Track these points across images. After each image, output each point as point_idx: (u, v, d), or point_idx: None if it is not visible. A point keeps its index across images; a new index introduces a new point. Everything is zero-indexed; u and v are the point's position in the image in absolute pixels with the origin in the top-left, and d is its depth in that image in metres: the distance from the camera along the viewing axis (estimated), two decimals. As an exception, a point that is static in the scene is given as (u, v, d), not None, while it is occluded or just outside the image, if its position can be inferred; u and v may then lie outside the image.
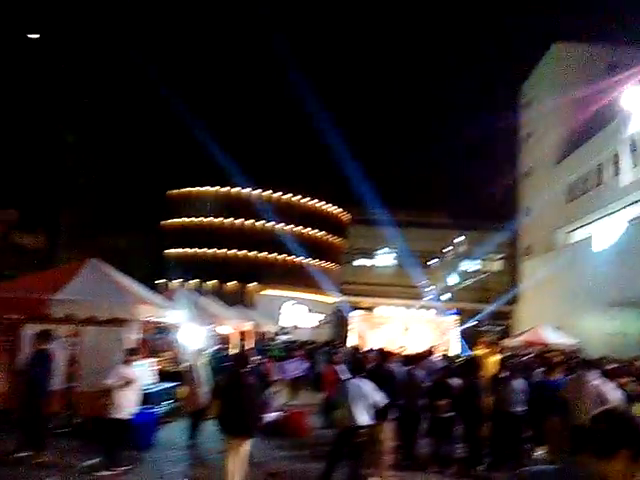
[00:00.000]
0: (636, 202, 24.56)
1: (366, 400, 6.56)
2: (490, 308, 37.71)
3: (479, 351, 13.28)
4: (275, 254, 35.13)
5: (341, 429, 6.55)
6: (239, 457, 6.22)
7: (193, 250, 34.79)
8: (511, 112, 39.87)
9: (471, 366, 8.47)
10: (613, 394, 6.95)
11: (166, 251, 35.60)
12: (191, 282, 33.44)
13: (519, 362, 10.56)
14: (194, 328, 12.10)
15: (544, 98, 34.27)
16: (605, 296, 22.63)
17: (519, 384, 8.31)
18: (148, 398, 8.96)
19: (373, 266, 42.12)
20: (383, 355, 8.42)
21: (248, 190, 35.14)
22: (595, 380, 7.11)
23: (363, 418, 6.52)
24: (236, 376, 6.47)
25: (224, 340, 16.46)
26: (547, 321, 23.84)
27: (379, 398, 6.64)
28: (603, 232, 27.08)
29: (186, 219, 35.55)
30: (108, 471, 6.80)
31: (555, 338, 20.08)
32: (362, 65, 70.07)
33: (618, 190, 25.04)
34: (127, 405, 7.13)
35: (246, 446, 6.31)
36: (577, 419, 6.82)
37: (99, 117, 28.98)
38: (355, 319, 26.78)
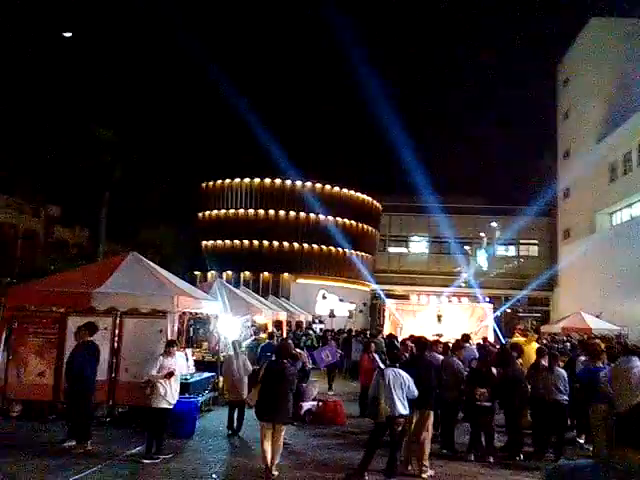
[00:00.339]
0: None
1: (403, 390, 6.58)
2: (525, 294, 36.98)
3: (516, 338, 13.02)
4: (309, 244, 35.26)
5: (380, 419, 6.56)
6: (275, 442, 6.51)
7: (229, 242, 35.26)
8: (549, 90, 38.70)
9: (510, 354, 8.32)
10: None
11: (203, 243, 36.19)
12: (227, 273, 33.95)
13: (560, 349, 10.31)
14: (231, 318, 12.30)
15: (583, 75, 33.07)
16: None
17: (559, 372, 8.13)
18: (188, 388, 9.19)
19: (407, 253, 41.79)
20: (420, 344, 8.36)
21: (281, 180, 35.30)
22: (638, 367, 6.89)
23: (401, 408, 6.54)
24: (274, 364, 6.77)
25: (261, 329, 16.70)
26: (587, 307, 23.23)
27: (414, 388, 6.66)
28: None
29: (221, 211, 36.00)
30: (151, 459, 7.01)
31: (597, 324, 19.53)
32: (403, 49, 68.80)
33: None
34: (168, 395, 7.31)
35: (281, 432, 6.58)
36: (620, 407, 6.67)
37: (136, 111, 29.56)
38: (390, 307, 26.69)
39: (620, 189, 28.27)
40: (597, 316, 20.78)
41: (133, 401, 9.09)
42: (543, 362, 8.43)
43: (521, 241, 40.95)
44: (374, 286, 39.66)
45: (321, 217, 35.60)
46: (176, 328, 10.09)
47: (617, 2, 30.16)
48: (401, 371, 6.77)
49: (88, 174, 25.94)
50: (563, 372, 8.22)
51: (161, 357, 7.51)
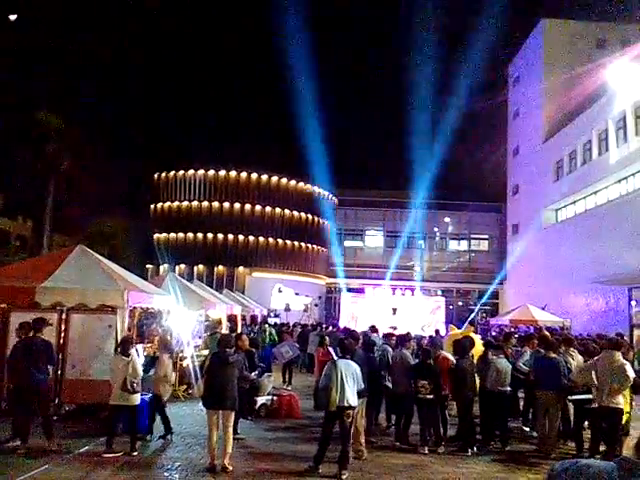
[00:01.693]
0: (623, 179, 24.76)
1: (354, 380, 6.68)
2: (477, 287, 38.11)
3: (454, 331, 13.37)
4: (264, 237, 35.03)
5: (331, 407, 6.61)
6: (224, 432, 6.65)
7: (182, 234, 34.56)
8: (500, 89, 39.76)
9: (463, 346, 8.51)
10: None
11: (155, 236, 35.32)
12: (181, 267, 33.29)
13: (503, 340, 10.67)
14: (184, 313, 12.05)
15: (532, 75, 34.17)
16: (590, 274, 22.92)
17: (502, 363, 8.42)
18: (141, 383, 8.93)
19: (362, 247, 42.20)
20: (365, 339, 8.51)
21: (236, 173, 34.85)
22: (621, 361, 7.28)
23: (351, 398, 6.63)
24: (218, 355, 6.90)
25: (215, 324, 16.45)
26: (534, 300, 24.12)
27: (361, 380, 6.82)
28: (589, 210, 27.33)
29: (175, 203, 35.21)
30: (108, 454, 6.94)
31: (542, 316, 20.32)
32: (350, 49, 69.07)
33: (605, 168, 25.19)
34: (124, 392, 7.23)
35: (229, 421, 6.71)
36: (602, 399, 7.18)
37: (86, 98, 28.44)
38: (345, 300, 26.95)
39: (565, 187, 29.45)
40: (542, 308, 21.62)
41: (81, 399, 8.80)
42: (490, 354, 8.70)
43: (472, 236, 42.10)
44: (330, 279, 39.88)
45: (277, 210, 35.43)
46: (126, 324, 9.81)
47: (566, 4, 31.11)
48: (352, 362, 6.87)
49: (32, 162, 24.74)
50: (507, 363, 8.52)
51: (118, 356, 7.45)
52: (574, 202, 29.58)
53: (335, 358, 6.98)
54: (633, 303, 22.00)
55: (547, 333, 11.46)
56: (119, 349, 7.65)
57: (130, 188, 33.03)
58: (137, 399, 7.41)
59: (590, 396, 7.67)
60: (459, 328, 15.20)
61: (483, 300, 35.08)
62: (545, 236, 31.14)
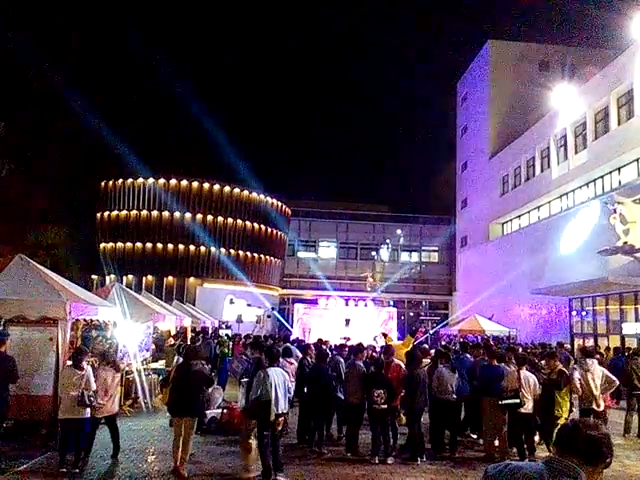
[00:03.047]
0: (564, 195, 25.99)
1: (284, 389, 6.77)
2: (427, 298, 38.88)
3: (390, 342, 13.53)
4: (216, 247, 34.49)
5: (271, 418, 6.59)
6: (185, 440, 6.91)
7: (130, 244, 33.55)
8: (451, 106, 41.08)
9: (416, 356, 8.62)
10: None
11: (101, 245, 34.13)
12: (128, 277, 32.29)
13: (448, 351, 10.88)
14: (131, 325, 11.64)
15: (479, 94, 35.50)
16: (534, 285, 23.81)
17: (448, 373, 8.61)
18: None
19: (316, 258, 42.28)
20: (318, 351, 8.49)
21: (187, 182, 34.25)
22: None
23: (284, 406, 6.74)
24: (183, 365, 7.32)
25: (164, 336, 16.00)
26: (482, 310, 24.83)
27: (291, 386, 7.10)
28: (532, 224, 28.49)
29: (122, 212, 34.18)
30: (64, 469, 6.78)
31: (489, 326, 20.92)
32: (307, 61, 69.74)
33: (547, 184, 26.37)
34: (80, 406, 7.02)
35: (189, 429, 6.98)
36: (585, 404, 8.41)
37: (27, 102, 27.24)
38: (298, 311, 26.81)
39: (510, 201, 30.63)
40: (490, 318, 22.27)
41: (20, 415, 8.31)
42: (440, 364, 8.87)
43: (423, 248, 43.01)
44: (283, 290, 39.68)
45: (229, 220, 35.01)
46: (68, 336, 9.38)
47: (513, 26, 32.53)
48: (281, 370, 7.00)
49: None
50: (450, 372, 8.71)
51: (73, 369, 7.23)
52: (519, 216, 30.79)
53: (266, 367, 6.92)
54: (574, 313, 23.02)
55: (491, 343, 11.82)
56: (71, 362, 7.42)
57: (74, 196, 31.78)
58: (87, 412, 7.17)
59: (517, 401, 8.01)
60: (399, 339, 15.39)
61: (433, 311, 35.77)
62: (492, 248, 32.19)
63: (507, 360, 9.13)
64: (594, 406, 8.42)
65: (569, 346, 20.46)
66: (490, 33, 34.60)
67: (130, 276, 32.40)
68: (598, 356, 11.98)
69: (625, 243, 17.85)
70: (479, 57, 36.08)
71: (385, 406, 7.84)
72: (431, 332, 27.51)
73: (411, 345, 11.30)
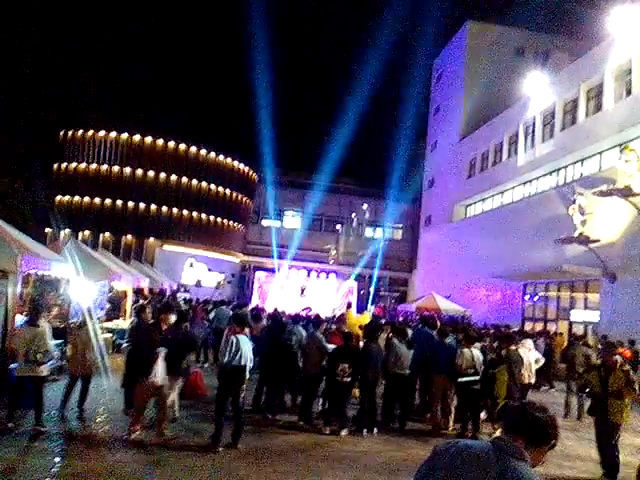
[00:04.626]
0: (528, 182, 26.49)
1: (248, 353, 6.93)
2: (387, 274, 39.41)
3: (350, 315, 13.74)
4: (178, 209, 33.74)
5: (236, 382, 6.78)
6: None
7: (88, 199, 32.38)
8: (425, 84, 40.84)
9: (376, 331, 8.72)
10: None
11: (57, 198, 32.84)
12: (85, 233, 31.31)
13: (403, 326, 11.09)
14: (85, 283, 11.26)
15: (454, 74, 35.42)
16: (491, 268, 24.40)
17: (404, 349, 8.77)
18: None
19: (280, 228, 42.04)
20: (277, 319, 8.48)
21: (152, 139, 33.13)
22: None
23: (246, 363, 6.90)
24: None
25: (119, 296, 15.64)
26: (440, 289, 25.32)
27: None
28: (495, 209, 29.02)
29: (82, 165, 32.85)
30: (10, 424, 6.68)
31: (446, 305, 21.38)
32: (288, 36, 67.63)
33: (513, 170, 26.78)
34: (28, 363, 6.88)
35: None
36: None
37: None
38: (259, 279, 26.73)
39: (476, 184, 31.04)
40: (447, 297, 22.75)
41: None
42: (395, 339, 9.00)
43: (387, 224, 43.34)
44: (245, 257, 39.40)
45: (194, 182, 34.22)
46: (18, 291, 9.00)
47: (493, 8, 32.25)
48: (246, 337, 7.17)
49: None
50: (406, 349, 8.88)
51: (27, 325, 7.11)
52: (483, 200, 31.29)
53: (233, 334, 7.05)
54: (527, 297, 23.78)
55: (441, 323, 12.19)
56: (27, 318, 7.25)
57: (30, 144, 30.30)
58: (45, 370, 6.99)
59: (477, 377, 8.44)
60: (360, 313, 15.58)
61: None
62: (454, 230, 32.71)
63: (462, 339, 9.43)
64: (529, 380, 9.49)
65: (518, 329, 21.17)
66: (469, 13, 34.06)
67: (86, 232, 31.41)
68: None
69: (581, 234, 18.41)
70: (457, 37, 35.86)
71: (348, 379, 7.91)
72: (389, 308, 27.96)
73: (369, 319, 11.42)
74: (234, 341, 6.80)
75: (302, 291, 21.56)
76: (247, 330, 9.16)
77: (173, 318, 7.49)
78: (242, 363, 6.77)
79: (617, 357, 6.93)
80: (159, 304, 17.60)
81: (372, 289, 31.70)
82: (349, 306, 15.57)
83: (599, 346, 14.06)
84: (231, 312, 13.21)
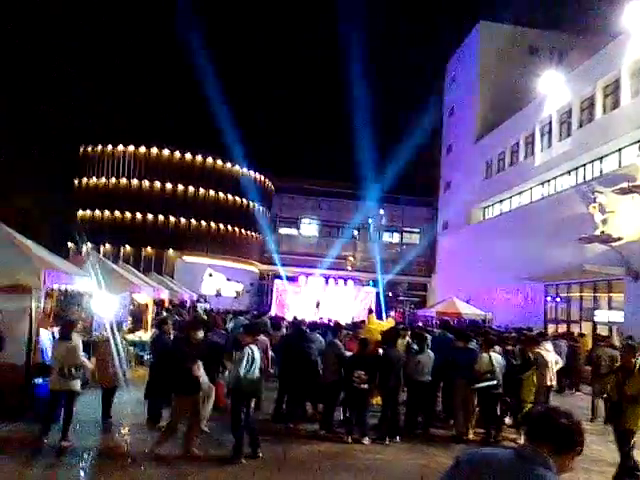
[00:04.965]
0: (546, 182, 26.17)
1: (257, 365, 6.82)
2: (406, 279, 39.20)
3: (373, 321, 13.64)
4: (197, 220, 34.10)
5: (252, 394, 6.78)
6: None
7: (108, 213, 32.95)
8: (438, 87, 40.68)
9: (393, 336, 8.67)
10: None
11: (79, 213, 33.45)
12: (106, 247, 31.80)
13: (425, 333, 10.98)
14: (106, 296, 11.43)
15: (467, 76, 35.22)
16: (511, 270, 24.10)
17: (425, 355, 8.69)
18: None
19: (297, 235, 42.15)
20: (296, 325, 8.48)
21: (169, 152, 33.59)
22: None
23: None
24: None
25: (140, 309, 15.82)
26: (460, 293, 25.09)
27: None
28: (514, 210, 28.71)
29: (102, 179, 33.45)
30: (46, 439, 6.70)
31: (466, 309, 21.16)
32: (282, 45, 68.15)
33: (530, 171, 26.49)
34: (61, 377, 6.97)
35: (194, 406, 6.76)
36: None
37: (6, 64, 26.26)
38: (278, 288, 26.81)
39: (493, 186, 30.76)
40: (467, 301, 22.52)
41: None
42: (414, 345, 8.94)
43: (404, 229, 43.13)
44: (263, 266, 39.57)
45: (211, 193, 34.56)
46: (42, 306, 9.17)
47: (504, 8, 32.02)
48: (257, 348, 7.00)
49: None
50: (430, 354, 8.81)
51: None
52: (500, 201, 30.98)
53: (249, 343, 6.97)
54: (548, 299, 23.42)
55: (461, 327, 12.07)
56: (59, 334, 7.39)
57: (52, 160, 30.93)
58: (77, 385, 7.06)
59: (494, 382, 8.30)
60: (379, 319, 15.49)
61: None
62: (472, 232, 32.42)
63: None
64: (550, 382, 9.37)
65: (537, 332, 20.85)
66: (481, 14, 33.90)
67: (108, 246, 31.92)
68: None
69: (602, 232, 18.10)
70: (469, 38, 35.70)
71: (365, 386, 7.87)
72: (408, 313, 27.78)
73: (391, 325, 11.36)
74: (250, 352, 6.72)
75: (317, 304, 21.48)
76: (264, 339, 9.24)
77: (201, 334, 7.46)
78: (257, 374, 6.72)
79: (638, 359, 6.55)
80: (180, 316, 17.81)
81: (382, 295, 31.50)
82: (370, 311, 15.51)
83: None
84: (268, 321, 13.28)
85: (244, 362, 6.63)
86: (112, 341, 8.58)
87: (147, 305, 16.03)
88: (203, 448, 6.99)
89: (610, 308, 19.57)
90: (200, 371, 6.76)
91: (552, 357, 9.85)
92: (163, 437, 6.72)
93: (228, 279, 33.63)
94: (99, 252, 27.10)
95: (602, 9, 25.63)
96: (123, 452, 6.81)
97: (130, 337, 13.82)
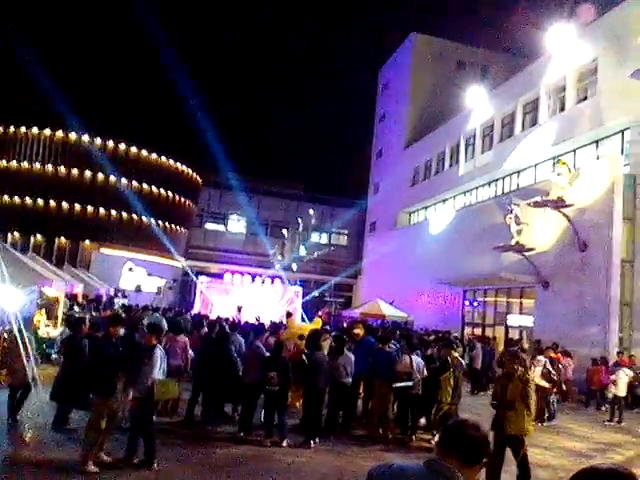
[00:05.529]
0: (467, 192, 27.35)
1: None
2: (333, 280, 39.59)
3: (293, 324, 13.62)
4: (117, 211, 32.43)
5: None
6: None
7: (18, 199, 30.53)
8: (372, 91, 41.46)
9: (317, 339, 8.65)
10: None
11: (-16, 198, 30.80)
12: (14, 235, 29.51)
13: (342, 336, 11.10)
14: (11, 289, 10.51)
15: (399, 84, 36.16)
16: (433, 274, 24.94)
17: (345, 357, 8.81)
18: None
19: (224, 232, 41.33)
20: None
21: (89, 138, 31.68)
22: None
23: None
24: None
25: (50, 303, 14.77)
26: (384, 295, 25.60)
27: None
28: (437, 216, 29.78)
29: (12, 162, 30.97)
30: None
31: (390, 311, 21.62)
32: (233, 34, 66.94)
33: (454, 179, 27.59)
34: None
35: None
36: None
37: None
38: (202, 285, 26.06)
39: (419, 192, 31.75)
40: (391, 303, 23.02)
41: None
42: (343, 348, 9.01)
43: (333, 230, 43.52)
44: (187, 262, 38.40)
45: (133, 183, 32.99)
46: None
47: (436, 22, 33.27)
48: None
49: None
50: (350, 356, 8.92)
51: None
52: (426, 207, 32.03)
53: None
54: (466, 303, 24.46)
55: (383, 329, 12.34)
56: None
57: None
58: None
59: (410, 383, 8.68)
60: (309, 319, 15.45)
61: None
62: (398, 236, 33.28)
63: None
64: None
65: (458, 334, 21.75)
66: (413, 25, 35.06)
67: (16, 234, 29.60)
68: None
69: (517, 243, 19.12)
70: (402, 48, 36.65)
71: (277, 388, 7.76)
72: (334, 314, 27.99)
73: (318, 327, 11.34)
74: (160, 355, 6.42)
75: (239, 309, 20.99)
76: (184, 338, 8.90)
77: (122, 331, 7.02)
78: (162, 377, 6.40)
79: (519, 366, 6.48)
80: (95, 311, 16.83)
81: (310, 295, 31.64)
82: (289, 315, 15.36)
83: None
84: (164, 319, 12.77)
85: (158, 365, 6.30)
86: (19, 337, 7.94)
87: (58, 299, 15.00)
88: (113, 454, 6.57)
89: (521, 313, 20.73)
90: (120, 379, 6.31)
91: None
92: (95, 447, 6.14)
93: (149, 274, 32.29)
94: (6, 241, 25.09)
95: (526, 30, 27.20)
96: (25, 458, 6.26)
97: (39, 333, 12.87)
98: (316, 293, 33.88)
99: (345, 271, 39.96)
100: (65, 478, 5.74)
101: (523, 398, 6.20)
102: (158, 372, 6.30)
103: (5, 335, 10.60)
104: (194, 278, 29.35)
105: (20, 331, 8.18)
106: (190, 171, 37.00)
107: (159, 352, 6.42)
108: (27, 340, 8.12)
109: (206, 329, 11.62)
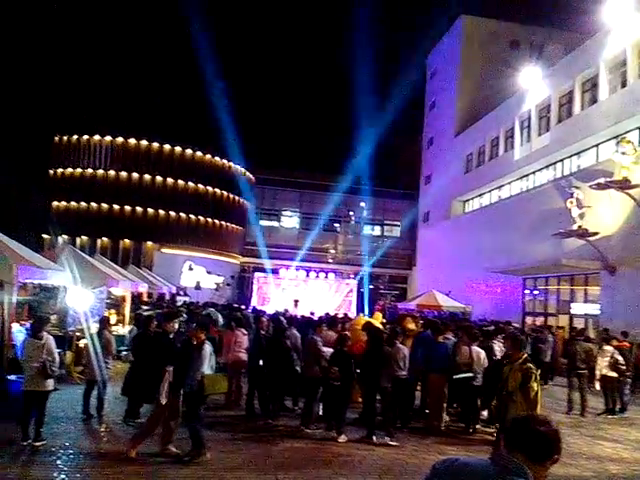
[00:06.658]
0: (524, 177, 26.42)
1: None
2: (387, 272, 39.40)
3: (360, 318, 13.61)
4: (176, 212, 33.61)
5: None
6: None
7: (85, 204, 32.26)
8: (420, 80, 40.68)
9: (381, 334, 8.68)
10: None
11: (54, 204, 32.71)
12: (82, 239, 31.20)
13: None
14: (82, 290, 11.18)
15: (448, 69, 35.29)
16: (491, 263, 24.34)
17: (401, 350, 8.70)
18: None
19: (278, 228, 41.94)
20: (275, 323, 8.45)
21: (147, 142, 32.96)
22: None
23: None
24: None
25: (118, 302, 15.58)
26: (440, 286, 25.27)
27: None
28: (493, 204, 28.97)
29: (78, 169, 32.70)
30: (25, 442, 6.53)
31: (446, 302, 21.31)
32: (266, 35, 67.40)
33: (510, 165, 26.71)
34: (41, 376, 6.80)
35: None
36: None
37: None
38: (258, 281, 26.67)
39: (473, 180, 30.96)
40: (447, 294, 22.68)
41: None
42: (397, 342, 8.91)
43: (386, 222, 43.23)
44: (244, 259, 39.31)
45: (190, 184, 34.08)
46: (15, 300, 8.95)
47: (489, 2, 32.06)
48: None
49: None
50: (404, 349, 8.81)
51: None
52: (480, 195, 31.22)
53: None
54: (527, 292, 23.74)
55: (436, 320, 12.12)
56: (30, 332, 7.10)
57: (24, 150, 30.10)
58: (50, 384, 6.84)
59: (471, 374, 8.54)
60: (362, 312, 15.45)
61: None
62: (452, 225, 32.65)
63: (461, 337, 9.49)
64: None
65: (518, 325, 21.13)
66: (463, 7, 33.87)
67: (84, 237, 31.28)
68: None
69: (580, 227, 18.35)
70: (451, 32, 35.72)
71: (338, 383, 7.84)
72: (389, 306, 27.88)
73: (379, 321, 11.36)
74: (210, 350, 6.59)
75: (296, 303, 21.30)
76: (243, 332, 9.12)
77: (176, 326, 7.29)
78: (210, 372, 6.59)
79: (525, 355, 6.13)
80: (161, 309, 17.54)
81: (367, 288, 31.55)
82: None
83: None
84: (219, 315, 13.14)
85: (207, 361, 6.48)
86: (88, 335, 8.44)
87: (125, 298, 15.79)
88: (180, 447, 6.89)
89: (586, 301, 19.90)
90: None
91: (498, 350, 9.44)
92: (139, 438, 6.55)
93: (208, 272, 33.30)
94: (75, 244, 26.60)
95: (582, 5, 25.84)
96: (98, 451, 6.68)
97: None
98: (371, 286, 33.78)
99: (399, 263, 39.65)
100: (138, 469, 6.07)
101: (522, 388, 5.82)
102: (207, 367, 6.50)
103: (78, 334, 11.32)
104: (251, 275, 29.98)
105: (92, 330, 8.64)
106: (243, 169, 37.77)
107: (208, 348, 6.59)
108: (107, 340, 8.58)
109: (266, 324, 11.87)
